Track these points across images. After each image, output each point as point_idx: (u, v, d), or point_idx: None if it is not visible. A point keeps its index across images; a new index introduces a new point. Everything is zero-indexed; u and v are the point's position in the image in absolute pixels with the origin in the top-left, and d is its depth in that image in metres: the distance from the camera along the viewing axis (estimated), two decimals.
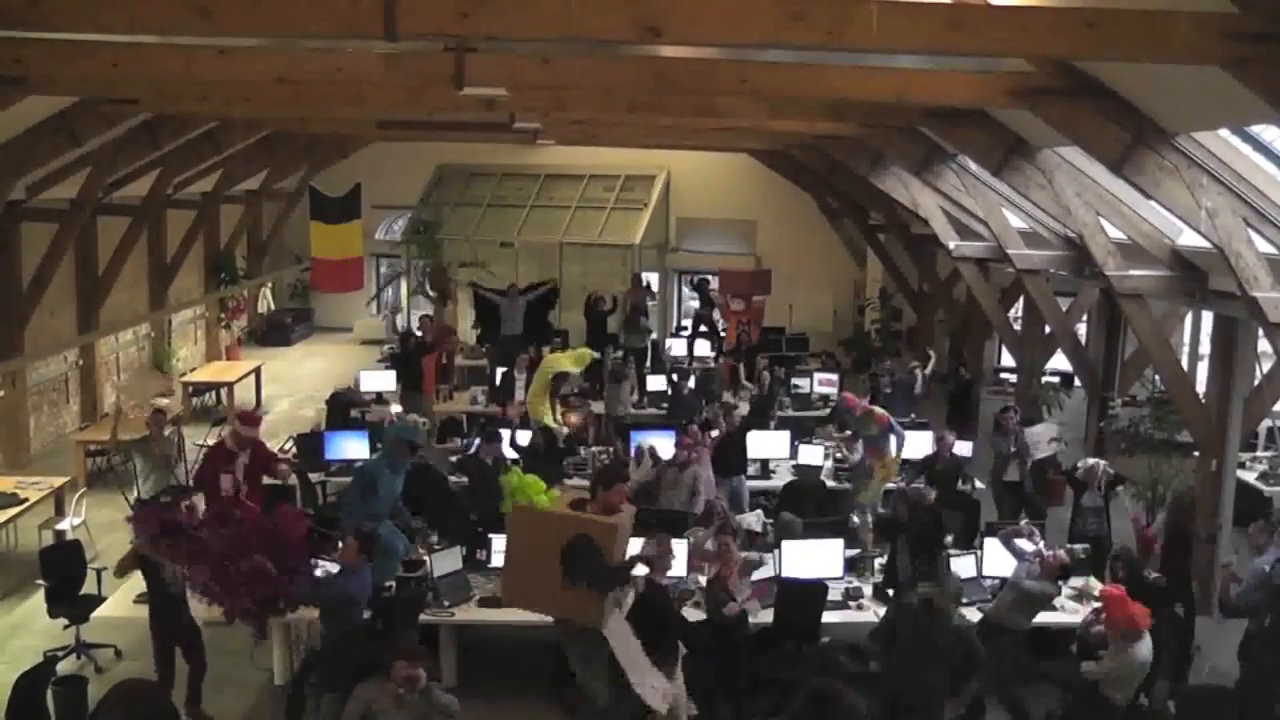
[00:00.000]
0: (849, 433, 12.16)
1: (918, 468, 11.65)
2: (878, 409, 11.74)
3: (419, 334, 16.55)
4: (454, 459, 11.94)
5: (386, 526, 8.83)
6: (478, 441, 11.50)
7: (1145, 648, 7.28)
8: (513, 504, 9.16)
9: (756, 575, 8.68)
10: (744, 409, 12.18)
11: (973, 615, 8.58)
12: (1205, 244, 9.14)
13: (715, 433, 11.76)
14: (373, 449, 11.69)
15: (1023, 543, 8.56)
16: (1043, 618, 8.39)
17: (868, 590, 8.99)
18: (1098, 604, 7.97)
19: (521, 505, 7.24)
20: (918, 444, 12.06)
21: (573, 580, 6.52)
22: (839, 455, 12.36)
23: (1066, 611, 8.69)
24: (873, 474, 11.33)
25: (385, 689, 6.44)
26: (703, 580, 8.70)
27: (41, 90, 9.96)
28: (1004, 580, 8.85)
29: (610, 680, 6.88)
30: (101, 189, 14.57)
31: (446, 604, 8.56)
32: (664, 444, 11.55)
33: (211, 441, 10.58)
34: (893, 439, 11.32)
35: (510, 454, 11.51)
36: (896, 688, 7.47)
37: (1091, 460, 10.90)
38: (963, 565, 9.11)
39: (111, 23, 7.25)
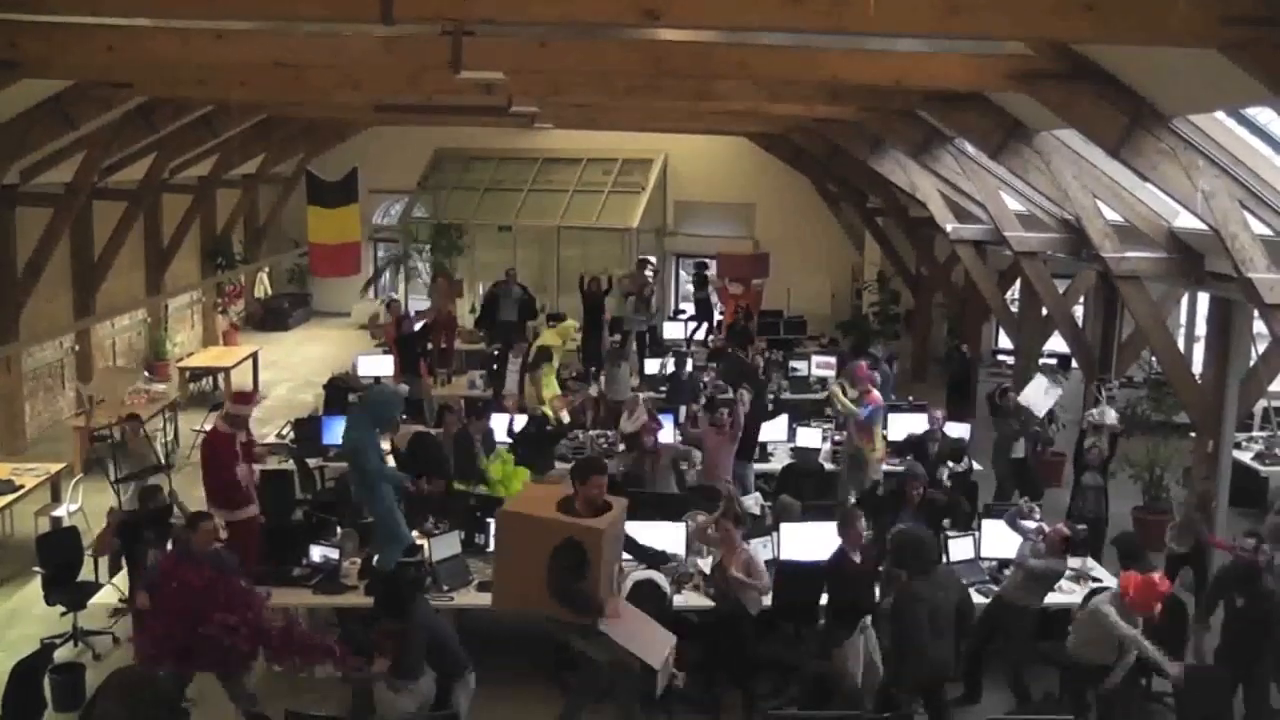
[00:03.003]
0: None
1: (908, 444, 11.67)
2: (874, 391, 11.80)
3: (409, 316, 16.51)
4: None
5: (396, 512, 8.83)
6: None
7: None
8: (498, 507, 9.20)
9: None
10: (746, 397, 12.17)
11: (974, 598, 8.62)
12: (1201, 226, 9.15)
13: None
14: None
15: (1026, 521, 8.62)
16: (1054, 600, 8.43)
17: None
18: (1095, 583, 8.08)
19: (507, 508, 7.25)
20: (915, 427, 12.10)
21: (551, 591, 6.56)
22: (845, 396, 12.31)
23: (1063, 592, 8.70)
24: (863, 456, 11.37)
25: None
26: (702, 563, 8.73)
27: (36, 73, 9.91)
28: (1001, 561, 8.91)
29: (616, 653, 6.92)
30: (97, 173, 14.50)
31: (445, 589, 8.58)
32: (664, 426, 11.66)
33: (208, 427, 10.58)
34: (878, 420, 11.38)
35: (506, 440, 11.55)
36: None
37: (1097, 411, 10.96)
38: (960, 547, 9.15)
39: (107, 5, 7.26)
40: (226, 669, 7.20)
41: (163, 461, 11.47)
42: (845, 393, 12.26)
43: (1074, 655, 7.74)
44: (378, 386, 10.79)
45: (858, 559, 7.83)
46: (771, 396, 14.22)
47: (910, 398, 14.22)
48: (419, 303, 20.71)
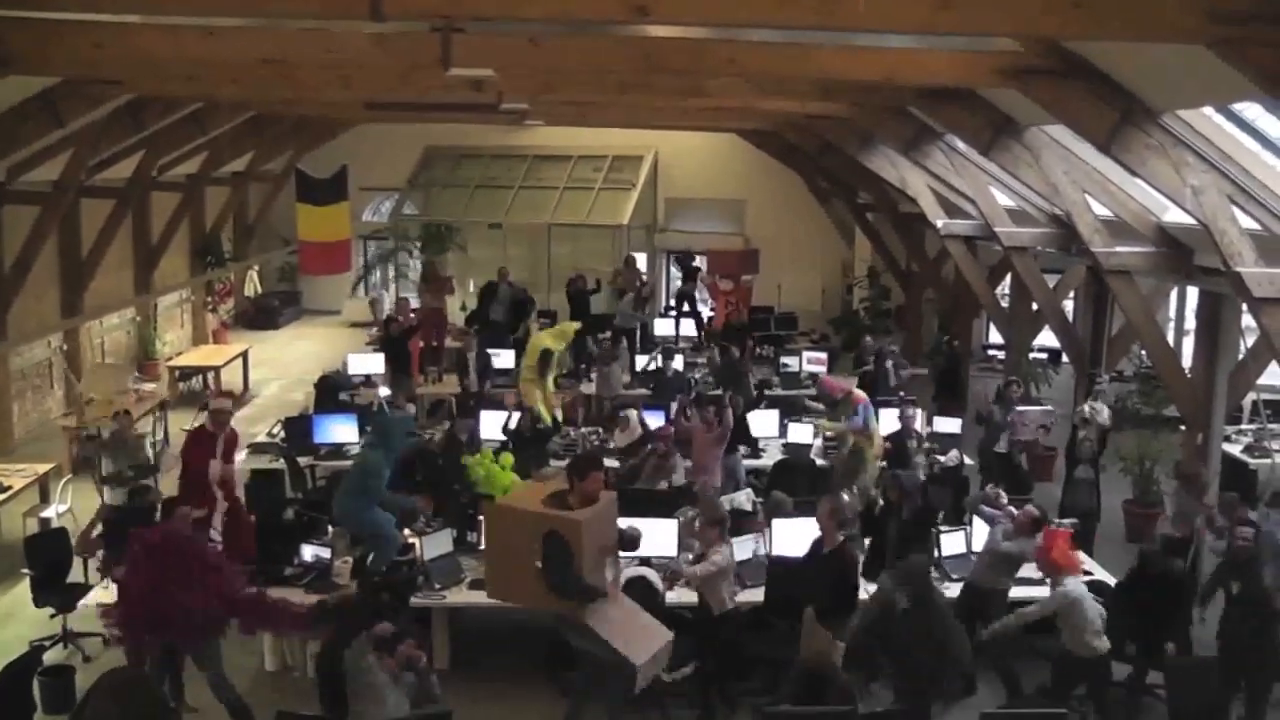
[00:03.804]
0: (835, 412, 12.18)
1: (889, 448, 11.64)
2: (856, 391, 11.77)
3: (398, 318, 16.50)
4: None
5: (384, 514, 8.81)
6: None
7: (1076, 585, 7.65)
8: (486, 499, 9.20)
9: (744, 555, 8.70)
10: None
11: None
12: (1190, 221, 9.17)
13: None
14: (361, 432, 11.69)
15: (989, 508, 8.68)
16: (1033, 592, 8.46)
17: None
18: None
19: (496, 502, 7.29)
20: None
21: (547, 579, 6.60)
22: (828, 435, 12.32)
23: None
24: (864, 454, 11.35)
25: (380, 662, 6.50)
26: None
27: (24, 70, 9.84)
28: None
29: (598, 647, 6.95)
30: (85, 171, 14.43)
31: (438, 586, 8.58)
32: (652, 422, 11.73)
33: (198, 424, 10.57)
34: (873, 419, 11.36)
35: (499, 438, 11.54)
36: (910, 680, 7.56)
37: (1090, 406, 10.99)
38: (952, 541, 9.17)
39: (96, 2, 7.23)
40: (201, 636, 7.22)
41: (151, 462, 11.46)
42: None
43: (1067, 647, 7.77)
44: (385, 417, 10.77)
45: (825, 551, 7.74)
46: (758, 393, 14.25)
47: (901, 393, 14.22)
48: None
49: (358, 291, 23.88)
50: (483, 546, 8.89)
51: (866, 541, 9.26)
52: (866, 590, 8.20)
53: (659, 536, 8.74)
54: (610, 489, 7.67)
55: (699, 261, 21.04)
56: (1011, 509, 8.64)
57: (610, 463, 10.42)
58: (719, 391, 13.07)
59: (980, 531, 9.19)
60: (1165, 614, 8.11)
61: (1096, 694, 7.81)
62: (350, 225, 16.61)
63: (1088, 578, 8.85)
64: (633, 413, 11.73)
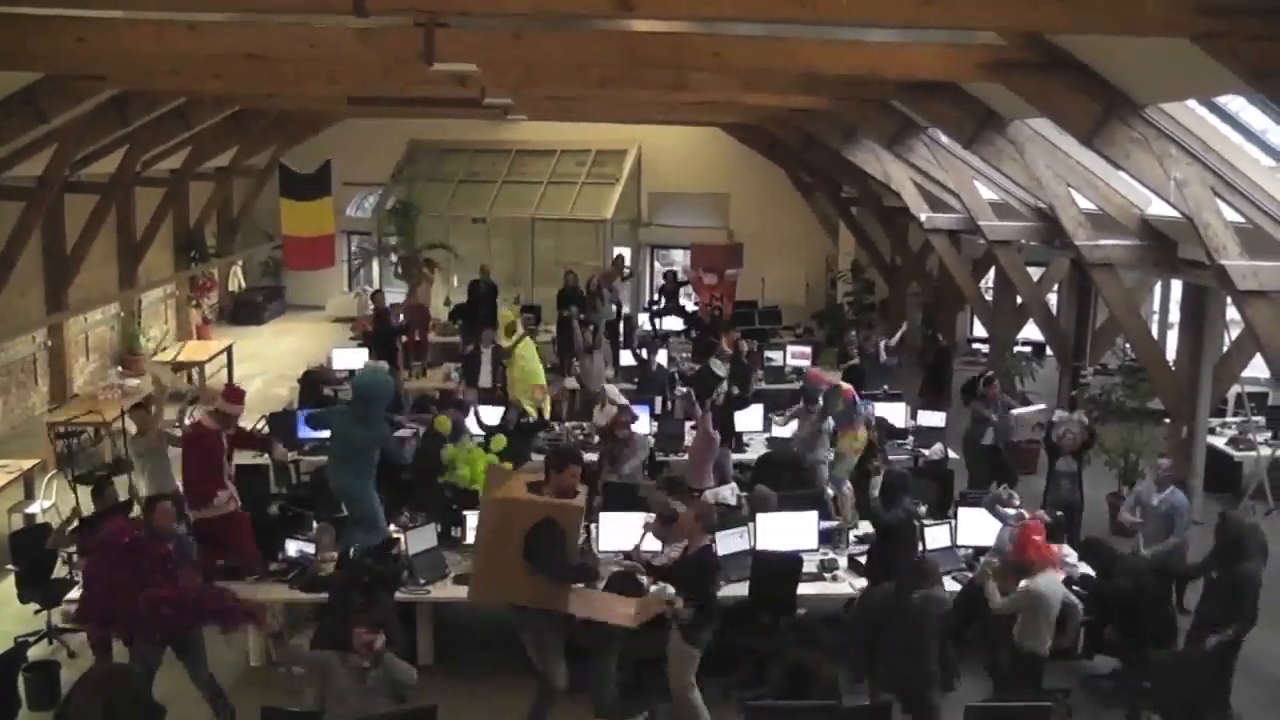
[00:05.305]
0: (818, 406, 12.16)
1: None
2: (843, 384, 11.78)
3: (388, 314, 16.48)
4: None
5: (377, 501, 8.81)
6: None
7: (1048, 584, 7.54)
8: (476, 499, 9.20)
9: (728, 549, 8.69)
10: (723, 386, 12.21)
11: (949, 584, 8.68)
12: (1174, 214, 9.22)
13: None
14: None
15: (1005, 509, 8.68)
16: None
17: (843, 562, 9.05)
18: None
19: (493, 495, 7.27)
20: (891, 416, 12.18)
21: (534, 565, 6.60)
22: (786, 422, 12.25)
23: None
24: (843, 449, 11.36)
25: (344, 660, 6.49)
26: (674, 554, 8.70)
27: (6, 65, 9.82)
28: (978, 549, 8.94)
29: (565, 660, 7.01)
30: (69, 166, 14.37)
31: (422, 582, 8.56)
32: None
33: (188, 421, 10.51)
34: (859, 413, 11.37)
35: (476, 432, 11.52)
36: (894, 677, 7.57)
37: (1065, 414, 11.01)
38: (937, 535, 9.18)
39: None
40: (150, 635, 7.19)
41: (125, 458, 11.39)
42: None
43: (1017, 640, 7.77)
44: (365, 372, 10.74)
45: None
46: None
47: (885, 387, 14.25)
48: (395, 296, 20.61)
49: (344, 286, 23.85)
50: (467, 541, 8.90)
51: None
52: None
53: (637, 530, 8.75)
54: (587, 482, 7.71)
55: (681, 257, 21.03)
56: (1024, 511, 8.63)
57: (590, 457, 10.45)
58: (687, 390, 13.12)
59: (965, 525, 9.22)
60: (1134, 609, 8.13)
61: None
62: (334, 220, 16.57)
63: (1071, 568, 8.90)
64: (613, 388, 11.75)
